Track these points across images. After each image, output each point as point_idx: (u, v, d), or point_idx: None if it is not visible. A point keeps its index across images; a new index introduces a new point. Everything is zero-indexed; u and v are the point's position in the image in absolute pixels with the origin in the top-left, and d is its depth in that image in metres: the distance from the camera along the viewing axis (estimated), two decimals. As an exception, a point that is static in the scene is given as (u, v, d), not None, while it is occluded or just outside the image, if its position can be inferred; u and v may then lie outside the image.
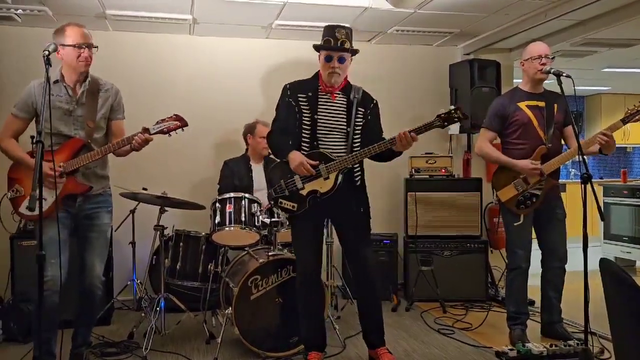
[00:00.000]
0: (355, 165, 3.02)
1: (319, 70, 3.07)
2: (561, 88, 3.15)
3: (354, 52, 3.02)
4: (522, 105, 3.43)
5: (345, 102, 3.03)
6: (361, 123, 3.03)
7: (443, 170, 4.75)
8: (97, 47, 2.88)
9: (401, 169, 4.79)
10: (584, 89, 8.41)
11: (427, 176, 4.75)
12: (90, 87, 2.93)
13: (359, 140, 3.01)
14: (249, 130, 4.25)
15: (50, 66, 2.47)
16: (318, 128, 2.99)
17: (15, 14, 4.10)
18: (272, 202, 3.10)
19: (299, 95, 3.02)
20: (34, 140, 2.33)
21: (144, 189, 3.60)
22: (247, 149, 4.29)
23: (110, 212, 3.06)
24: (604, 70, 6.72)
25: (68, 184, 2.83)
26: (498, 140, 3.58)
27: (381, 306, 3.19)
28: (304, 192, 2.97)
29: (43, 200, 2.64)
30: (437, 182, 4.72)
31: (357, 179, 3.04)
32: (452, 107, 2.87)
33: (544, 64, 3.34)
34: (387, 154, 2.99)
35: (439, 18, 4.36)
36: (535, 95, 3.45)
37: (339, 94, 3.04)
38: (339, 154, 2.97)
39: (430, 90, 5.23)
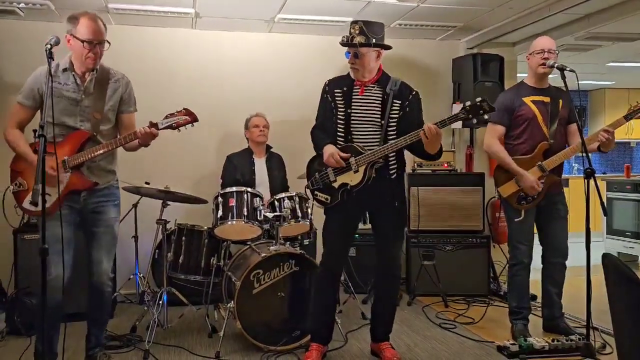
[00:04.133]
0: (391, 159, 2.99)
1: None
2: (565, 83, 3.14)
3: (366, 45, 2.92)
4: (528, 100, 3.42)
5: (380, 95, 3.01)
6: (397, 115, 2.99)
7: (446, 165, 4.74)
8: (109, 42, 2.78)
9: (404, 164, 4.77)
10: (588, 84, 8.38)
11: (430, 171, 4.74)
12: (99, 76, 2.81)
13: (394, 132, 2.98)
14: (245, 125, 4.30)
15: (53, 60, 2.44)
16: (352, 121, 2.99)
17: (18, 7, 4.09)
18: (309, 194, 3.11)
19: (335, 90, 3.04)
20: (37, 134, 2.25)
21: (147, 183, 3.60)
22: (248, 145, 4.31)
23: (117, 205, 2.96)
24: (608, 64, 6.69)
25: (73, 179, 2.71)
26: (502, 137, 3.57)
27: (396, 304, 3.21)
28: (335, 185, 2.99)
29: (47, 196, 2.59)
30: (440, 176, 4.71)
31: (392, 172, 3.02)
32: (479, 98, 2.79)
33: (546, 58, 3.32)
34: (420, 150, 2.94)
35: (442, 12, 4.35)
36: (541, 91, 3.44)
37: (373, 86, 3.02)
38: (373, 146, 2.94)
39: (433, 84, 5.21)
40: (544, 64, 3.32)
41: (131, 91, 2.96)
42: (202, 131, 4.72)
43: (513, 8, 4.22)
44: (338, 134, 3.01)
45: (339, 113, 3.01)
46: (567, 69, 3.08)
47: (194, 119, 2.85)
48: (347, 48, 3.01)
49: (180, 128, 2.84)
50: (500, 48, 5.09)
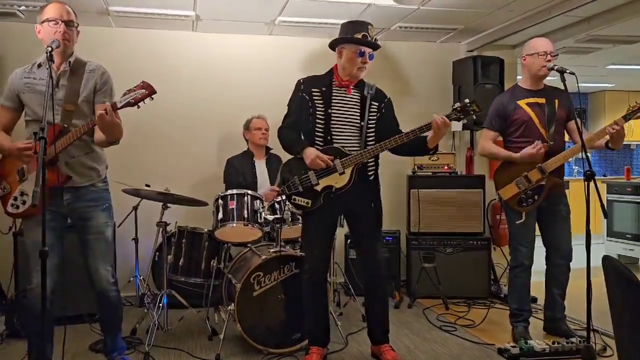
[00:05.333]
0: (370, 160, 3.00)
1: (333, 66, 3.08)
2: (565, 85, 3.14)
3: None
4: (522, 103, 3.41)
5: (359, 97, 3.03)
6: (375, 117, 3.02)
7: (446, 167, 4.75)
8: (77, 25, 2.68)
9: (404, 166, 4.78)
10: (588, 86, 8.39)
11: (430, 173, 4.74)
12: (72, 67, 2.70)
13: (373, 134, 3.00)
14: (245, 126, 4.31)
15: (54, 62, 2.44)
16: (332, 122, 2.98)
17: (19, 10, 4.11)
18: (285, 199, 3.06)
19: (313, 89, 3.02)
20: (37, 137, 2.20)
21: (147, 185, 3.60)
22: (248, 146, 4.32)
23: (106, 209, 2.80)
24: (608, 67, 6.70)
25: (48, 175, 2.49)
26: (500, 138, 3.57)
27: (388, 302, 3.21)
28: (318, 188, 2.96)
29: (26, 195, 2.55)
30: (440, 179, 4.72)
31: (370, 173, 3.03)
32: (467, 100, 2.84)
33: (549, 61, 3.32)
34: (415, 147, 2.97)
35: (443, 14, 4.35)
36: (536, 92, 3.43)
37: (353, 88, 3.04)
38: (353, 148, 2.96)
39: (433, 87, 5.22)
40: (546, 67, 3.31)
41: (107, 80, 2.79)
42: (203, 133, 4.75)
43: (513, 11, 4.23)
44: (317, 134, 2.98)
45: (317, 113, 2.98)
46: (567, 71, 3.08)
47: (151, 91, 2.61)
48: (362, 47, 2.94)
49: (139, 104, 2.61)
50: (501, 50, 5.10)
